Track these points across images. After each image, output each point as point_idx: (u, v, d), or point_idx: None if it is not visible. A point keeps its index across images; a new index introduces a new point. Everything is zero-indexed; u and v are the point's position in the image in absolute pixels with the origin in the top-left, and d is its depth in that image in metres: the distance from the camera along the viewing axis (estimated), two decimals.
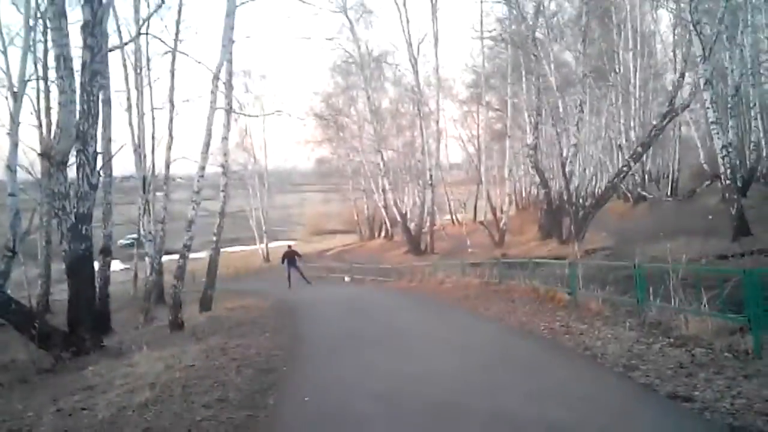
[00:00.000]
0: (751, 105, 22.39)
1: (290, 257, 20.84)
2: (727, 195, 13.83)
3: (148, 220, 17.67)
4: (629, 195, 29.33)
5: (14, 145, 10.87)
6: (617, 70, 27.44)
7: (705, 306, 5.78)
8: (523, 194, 42.20)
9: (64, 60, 7.48)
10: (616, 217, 26.17)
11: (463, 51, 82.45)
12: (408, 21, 28.80)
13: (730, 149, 13.22)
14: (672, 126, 24.93)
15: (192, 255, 20.80)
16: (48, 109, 16.93)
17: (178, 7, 13.79)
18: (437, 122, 31.42)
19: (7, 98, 11.40)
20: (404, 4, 28.84)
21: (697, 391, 4.03)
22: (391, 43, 35.46)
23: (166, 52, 17.10)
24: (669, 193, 25.25)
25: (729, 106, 22.15)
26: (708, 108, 13.24)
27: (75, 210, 7.93)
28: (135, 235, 23.40)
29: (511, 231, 28.93)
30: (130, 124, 17.34)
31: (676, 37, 25.34)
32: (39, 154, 8.26)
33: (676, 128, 27.75)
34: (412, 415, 4.00)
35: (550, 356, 5.50)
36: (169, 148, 18.06)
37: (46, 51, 14.82)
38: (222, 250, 15.38)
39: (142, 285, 19.88)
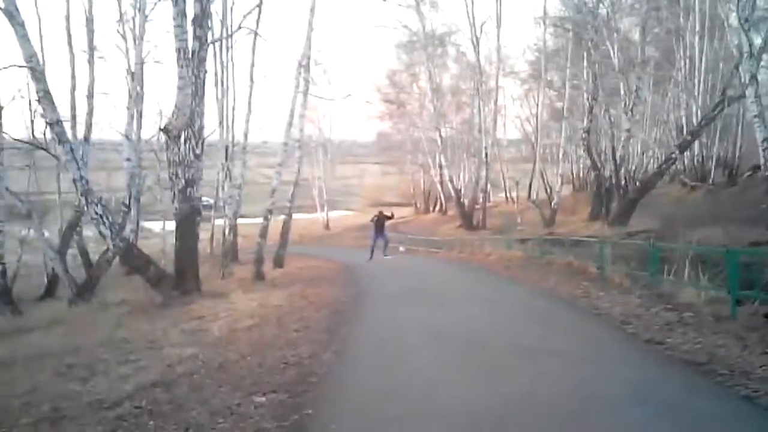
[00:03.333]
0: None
1: (379, 223, 17.44)
2: (766, 185, 14.34)
3: (228, 185, 19.56)
4: (686, 181, 29.27)
5: (131, 117, 12.95)
6: (683, 54, 27.19)
7: (704, 280, 6.91)
8: (580, 175, 42.24)
9: (183, 52, 9.16)
10: (670, 202, 26.37)
11: (526, 30, 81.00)
12: (472, 2, 29.44)
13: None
14: (734, 113, 24.79)
15: (254, 220, 22.85)
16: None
17: None
18: (495, 101, 32.07)
19: (126, 78, 13.40)
20: None
21: (670, 339, 5.27)
22: (454, 24, 35.46)
23: (242, 27, 18.67)
24: (712, 182, 25.29)
25: None
26: (752, 102, 13.72)
27: (185, 176, 9.69)
28: (212, 199, 25.55)
29: (563, 211, 29.54)
30: (217, 98, 19.21)
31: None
32: (160, 129, 9.94)
33: (740, 115, 27.37)
34: (449, 344, 5.44)
35: (565, 313, 6.83)
36: (247, 120, 19.85)
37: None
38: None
39: (215, 244, 22.14)
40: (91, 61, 13.58)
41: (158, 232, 28.88)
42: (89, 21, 13.44)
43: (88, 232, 16.61)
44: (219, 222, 22.88)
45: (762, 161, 14.14)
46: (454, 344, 5.38)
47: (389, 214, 18.28)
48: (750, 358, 4.41)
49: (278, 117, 42.67)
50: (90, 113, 13.81)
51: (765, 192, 14.45)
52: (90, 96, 13.73)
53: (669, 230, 17.44)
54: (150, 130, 19.37)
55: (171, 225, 23.01)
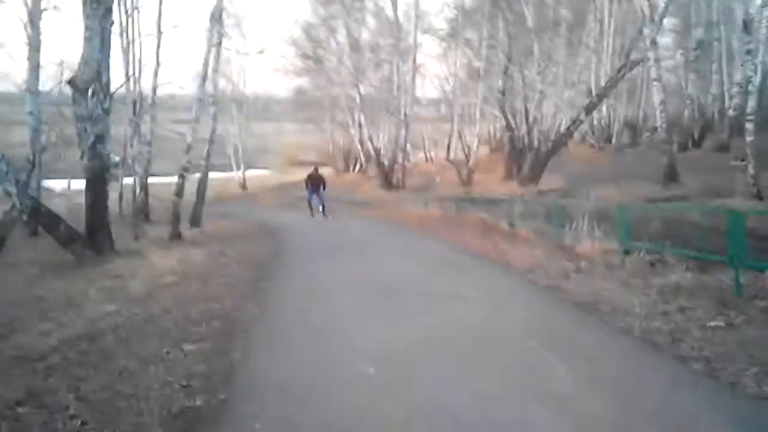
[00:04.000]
0: (713, 59, 24.08)
1: (315, 182, 17.24)
2: (662, 146, 15.65)
3: (137, 142, 18.76)
4: (593, 142, 31.19)
5: (32, 69, 12.03)
6: (594, 16, 28.45)
7: (597, 233, 7.66)
8: (497, 136, 43.63)
9: (89, 2, 8.64)
10: (581, 162, 28.07)
11: None
12: None
13: (665, 104, 14.98)
14: (640, 75, 26.48)
15: (169, 179, 22.17)
16: None
17: None
18: (414, 59, 32.27)
19: (25, 26, 12.34)
20: None
21: (564, 284, 5.90)
22: None
23: None
24: (617, 142, 27.31)
25: (691, 59, 23.93)
26: (651, 66, 14.83)
27: (93, 132, 9.29)
28: (118, 156, 24.37)
29: (480, 170, 30.60)
30: (122, 49, 18.15)
31: None
32: (67, 83, 9.39)
33: (645, 78, 29.19)
34: (365, 292, 5.80)
35: (476, 263, 7.38)
36: (156, 73, 18.95)
37: None
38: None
39: (125, 204, 21.30)
40: None
41: (60, 191, 27.25)
42: None
43: None
44: (128, 181, 21.99)
45: (659, 122, 15.37)
46: (370, 292, 5.74)
47: (324, 177, 17.86)
48: (631, 299, 5.05)
49: (189, 70, 40.67)
50: None
51: (661, 151, 15.72)
52: None
53: (576, 188, 18.73)
54: (50, 81, 18.18)
55: (76, 184, 22.00)
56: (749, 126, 11.52)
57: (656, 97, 15.02)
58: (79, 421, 3.14)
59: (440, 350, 3.86)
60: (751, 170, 11.23)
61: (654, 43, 14.68)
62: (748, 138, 11.50)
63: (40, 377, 3.92)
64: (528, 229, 9.91)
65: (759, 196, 10.89)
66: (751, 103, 11.72)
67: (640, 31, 17.99)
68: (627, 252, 6.93)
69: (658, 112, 15.00)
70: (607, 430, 2.68)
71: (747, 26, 12.22)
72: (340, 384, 3.37)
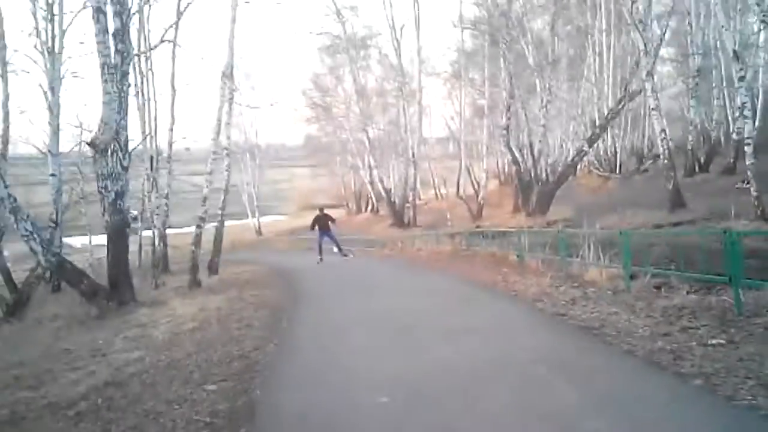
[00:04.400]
0: (713, 85, 24.45)
1: (322, 222, 16.91)
2: (665, 173, 15.84)
3: (155, 195, 19.32)
4: (600, 172, 31.41)
5: (54, 133, 12.69)
6: (593, 50, 29.10)
7: (603, 260, 7.81)
8: (505, 170, 44.02)
9: (107, 67, 9.20)
10: (587, 192, 28.28)
11: (446, 32, 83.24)
12: (391, 5, 30.28)
13: (665, 132, 15.26)
14: (641, 105, 26.86)
15: (187, 229, 22.46)
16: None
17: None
18: (419, 101, 33.04)
19: (45, 93, 13.06)
20: None
21: (572, 311, 6.04)
22: (375, 28, 36.34)
23: (164, 41, 18.61)
24: (623, 171, 27.55)
25: (691, 87, 24.33)
26: (649, 97, 15.19)
27: (114, 189, 9.73)
28: (135, 210, 25.01)
29: (490, 204, 30.93)
30: (138, 108, 18.93)
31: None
32: (87, 144, 9.90)
33: (647, 107, 29.58)
34: (380, 329, 5.98)
35: (485, 296, 7.55)
36: (171, 129, 19.69)
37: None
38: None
39: (144, 256, 21.78)
40: (4, 77, 13.17)
41: (79, 247, 27.85)
42: (0, 37, 13.02)
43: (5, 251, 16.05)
44: (146, 233, 22.53)
45: (661, 150, 15.62)
46: (385, 329, 5.92)
47: (332, 216, 17.64)
48: (635, 321, 5.20)
49: (202, 124, 42.08)
50: (6, 130, 13.41)
51: (665, 178, 15.89)
52: (5, 112, 13.34)
53: (583, 218, 18.86)
54: (69, 142, 19.00)
55: (96, 239, 22.55)
56: (748, 149, 11.76)
57: (656, 126, 15.35)
58: None
59: (451, 378, 4.03)
60: (753, 192, 11.39)
61: (650, 74, 15.09)
62: (748, 161, 11.72)
63: (72, 422, 4.15)
64: (536, 259, 10.06)
65: (764, 217, 11.00)
66: (749, 128, 11.98)
67: (636, 64, 18.45)
68: (632, 277, 7.07)
69: (659, 140, 15.28)
70: None
71: (737, 55, 12.57)
72: (356, 412, 3.55)
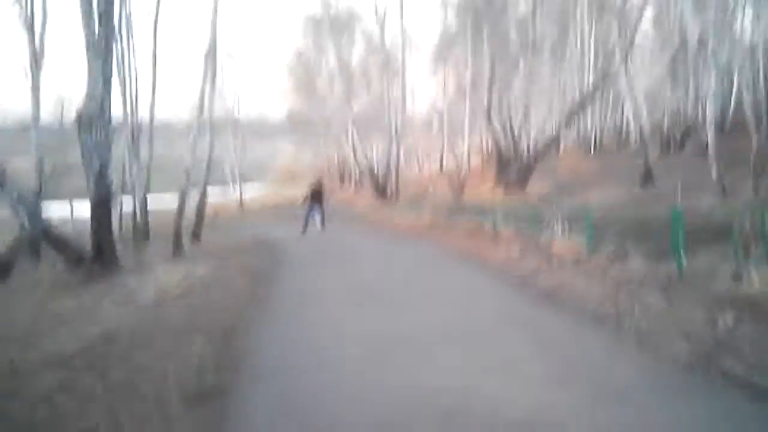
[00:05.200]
0: (692, 70, 24.98)
1: (317, 193, 16.33)
2: (638, 152, 16.40)
3: (136, 166, 19.36)
4: (581, 149, 32.05)
5: (36, 104, 12.97)
6: (576, 32, 29.40)
7: (568, 233, 8.30)
8: (489, 147, 44.41)
9: (92, 44, 9.34)
10: (569, 168, 28.93)
11: (431, 10, 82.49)
12: None
13: (639, 114, 15.79)
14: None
15: (167, 195, 22.67)
16: None
17: None
18: (402, 78, 33.12)
19: (30, 65, 13.16)
20: None
21: (535, 278, 6.51)
22: (359, 4, 36.26)
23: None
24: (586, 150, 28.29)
25: (668, 69, 24.83)
26: (622, 78, 15.66)
27: (99, 160, 9.94)
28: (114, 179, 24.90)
29: (472, 179, 31.32)
30: (120, 79, 18.81)
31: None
32: (74, 119, 10.11)
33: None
34: (355, 294, 6.41)
35: (456, 262, 8.07)
36: (152, 101, 19.72)
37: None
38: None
39: (126, 225, 21.91)
40: None
41: (56, 217, 27.76)
42: None
43: None
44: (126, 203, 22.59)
45: (634, 130, 16.16)
46: (360, 294, 6.34)
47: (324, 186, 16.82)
48: (589, 288, 5.67)
49: (186, 93, 41.60)
50: None
51: (637, 157, 16.43)
52: None
53: (561, 193, 19.46)
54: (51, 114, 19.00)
55: (79, 209, 22.59)
56: (710, 132, 12.32)
57: (628, 107, 15.85)
58: (109, 401, 3.71)
59: (420, 334, 4.46)
60: (714, 171, 11.97)
61: (624, 58, 15.51)
62: (710, 141, 12.29)
63: (69, 373, 4.49)
64: (509, 232, 10.53)
65: (723, 193, 11.60)
66: (710, 110, 12.52)
67: (614, 45, 18.83)
68: (594, 249, 7.55)
69: (632, 120, 15.80)
70: (545, 382, 3.28)
71: (701, 41, 13.03)
72: (330, 361, 3.96)
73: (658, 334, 3.97)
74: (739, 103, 21.31)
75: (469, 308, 5.28)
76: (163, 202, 27.87)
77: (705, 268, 5.33)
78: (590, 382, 3.24)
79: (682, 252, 5.50)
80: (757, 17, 26.11)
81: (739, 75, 20.49)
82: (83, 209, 18.76)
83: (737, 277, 4.75)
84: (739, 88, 18.51)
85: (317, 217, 15.94)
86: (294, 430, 2.95)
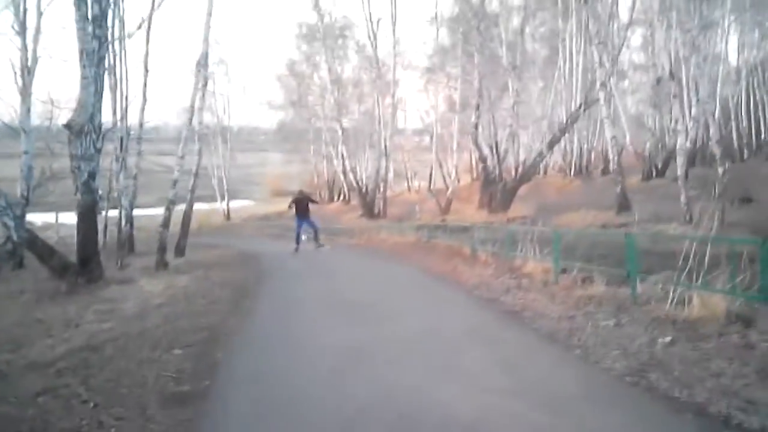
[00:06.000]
0: (673, 95, 25.73)
1: (302, 205, 14.94)
2: (614, 177, 16.92)
3: (123, 175, 19.58)
4: (566, 172, 32.71)
5: (27, 111, 13.09)
6: (565, 54, 30.10)
7: (539, 255, 8.66)
8: (477, 166, 44.96)
9: (86, 53, 9.64)
10: (553, 191, 29.50)
11: (423, 27, 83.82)
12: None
13: (616, 139, 16.33)
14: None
15: (152, 210, 22.69)
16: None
17: None
18: (393, 94, 33.67)
19: (22, 71, 13.38)
20: None
21: (503, 298, 6.85)
22: (352, 19, 36.73)
23: (140, 25, 18.87)
24: (572, 173, 28.88)
25: (650, 95, 25.58)
26: (602, 105, 16.23)
27: (87, 169, 10.18)
28: (100, 189, 24.97)
29: (459, 199, 31.80)
30: (110, 88, 19.07)
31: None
32: (63, 126, 10.30)
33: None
34: (333, 306, 6.73)
35: (432, 283, 8.37)
36: (142, 110, 19.99)
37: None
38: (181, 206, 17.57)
39: (108, 236, 21.99)
40: None
41: (40, 225, 27.74)
42: None
43: None
44: (111, 213, 22.68)
45: (611, 155, 16.70)
46: (337, 307, 6.67)
47: (313, 197, 15.84)
48: (551, 307, 6.02)
49: (174, 104, 41.90)
50: None
51: (614, 182, 16.97)
52: None
53: (542, 216, 19.90)
54: (40, 119, 19.18)
55: (64, 218, 22.69)
56: (679, 160, 12.86)
57: (607, 133, 16.39)
58: (91, 404, 3.98)
59: (388, 345, 4.79)
60: (682, 198, 12.47)
61: (603, 85, 16.10)
62: (679, 171, 12.82)
63: (52, 377, 4.74)
64: (486, 253, 10.88)
65: (690, 221, 12.08)
66: (680, 141, 13.07)
67: (595, 72, 19.40)
68: (564, 270, 7.90)
69: (610, 146, 16.33)
70: (497, 390, 3.62)
71: (672, 75, 13.62)
72: (305, 375, 4.24)
73: (601, 350, 4.32)
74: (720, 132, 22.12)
75: (435, 323, 5.60)
76: (148, 214, 28.02)
77: (658, 293, 5.69)
78: (531, 388, 3.61)
79: (635, 276, 5.87)
80: (741, 45, 27.18)
81: (708, 105, 21.29)
82: (66, 218, 18.97)
83: (681, 301, 5.11)
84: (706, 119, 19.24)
85: (308, 232, 15.31)
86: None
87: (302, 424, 3.34)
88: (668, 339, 4.36)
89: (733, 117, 25.65)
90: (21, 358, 5.52)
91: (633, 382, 3.70)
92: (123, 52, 20.07)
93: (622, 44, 17.59)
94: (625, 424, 3.12)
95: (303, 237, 15.28)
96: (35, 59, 13.51)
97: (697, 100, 14.18)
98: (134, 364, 4.81)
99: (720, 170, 12.31)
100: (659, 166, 25.36)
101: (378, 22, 31.67)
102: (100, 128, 10.73)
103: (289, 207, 15.42)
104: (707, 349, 4.14)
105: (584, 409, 3.28)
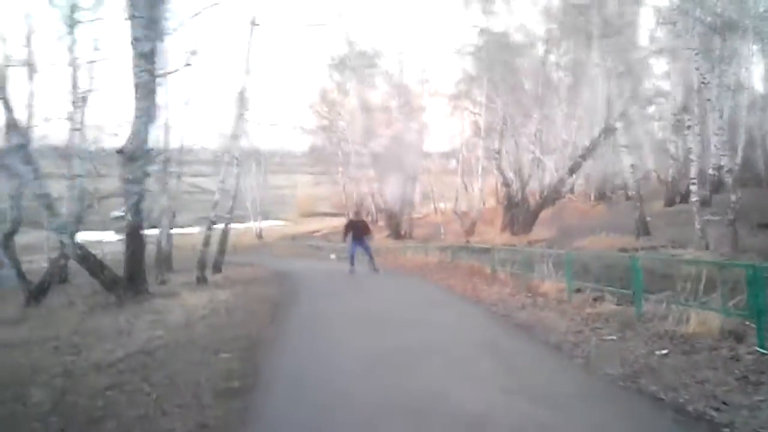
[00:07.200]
0: (696, 123, 25.89)
1: (357, 230, 14.66)
2: (633, 203, 17.22)
3: (165, 198, 20.67)
4: (590, 196, 32.89)
5: (82, 138, 14.34)
6: (586, 83, 30.50)
7: (555, 276, 9.13)
8: (502, 189, 45.28)
9: (141, 87, 10.60)
10: (576, 215, 29.74)
11: (450, 56, 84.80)
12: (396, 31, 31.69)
13: (635, 166, 16.67)
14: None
15: (188, 230, 23.61)
16: None
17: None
18: (421, 119, 34.49)
19: (74, 103, 14.60)
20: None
21: (518, 314, 7.35)
22: (379, 50, 37.81)
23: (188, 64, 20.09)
24: (595, 197, 29.01)
25: (672, 123, 25.76)
26: (621, 134, 16.65)
27: (138, 192, 11.07)
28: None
29: (483, 222, 32.25)
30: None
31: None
32: (117, 151, 11.27)
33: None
34: (359, 319, 7.33)
35: (453, 300, 8.90)
36: (182, 140, 21.22)
37: None
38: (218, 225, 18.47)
39: (149, 255, 23.06)
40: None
41: (83, 242, 29.05)
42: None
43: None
44: (149, 232, 23.77)
45: (631, 182, 17.03)
46: (363, 319, 7.26)
47: (368, 225, 15.57)
48: (561, 323, 6.51)
49: (211, 128, 43.67)
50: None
51: (633, 208, 17.28)
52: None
53: (563, 239, 20.24)
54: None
55: (109, 236, 23.89)
56: (693, 188, 13.17)
57: (626, 161, 16.75)
58: (154, 396, 4.64)
59: (409, 354, 5.35)
60: (697, 225, 12.75)
61: (623, 114, 16.54)
62: (693, 198, 13.12)
63: (115, 376, 5.43)
64: (506, 273, 11.37)
65: (707, 247, 12.36)
66: (693, 171, 13.39)
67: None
68: (578, 290, 8.36)
69: (629, 174, 16.68)
70: (504, 389, 4.15)
71: (686, 107, 14.00)
72: (337, 374, 4.84)
73: (601, 360, 4.82)
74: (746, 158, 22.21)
75: (452, 334, 6.14)
76: (184, 233, 29.10)
77: (661, 311, 6.13)
78: (533, 388, 4.14)
79: (640, 296, 6.33)
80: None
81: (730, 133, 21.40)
82: (102, 236, 20.09)
83: (681, 319, 5.56)
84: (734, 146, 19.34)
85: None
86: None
87: (336, 409, 3.93)
88: (664, 351, 4.83)
89: (759, 143, 25.63)
90: (83, 360, 6.23)
91: (625, 386, 4.20)
92: (166, 82, 21.49)
93: (642, 74, 18.02)
94: (611, 417, 3.64)
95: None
96: (90, 90, 14.74)
97: (720, 128, 14.52)
98: (187, 365, 5.47)
99: (732, 197, 12.60)
100: (682, 192, 25.42)
101: (405, 51, 32.69)
102: (150, 155, 11.68)
103: (344, 238, 14.95)
104: (697, 360, 4.61)
105: (577, 405, 3.80)
